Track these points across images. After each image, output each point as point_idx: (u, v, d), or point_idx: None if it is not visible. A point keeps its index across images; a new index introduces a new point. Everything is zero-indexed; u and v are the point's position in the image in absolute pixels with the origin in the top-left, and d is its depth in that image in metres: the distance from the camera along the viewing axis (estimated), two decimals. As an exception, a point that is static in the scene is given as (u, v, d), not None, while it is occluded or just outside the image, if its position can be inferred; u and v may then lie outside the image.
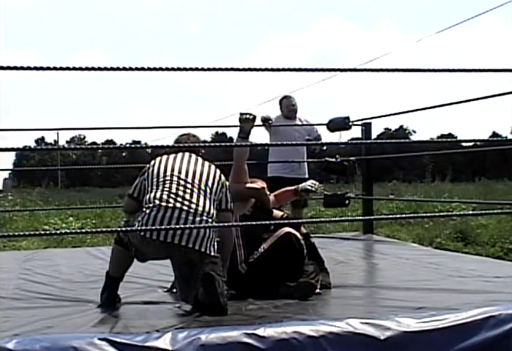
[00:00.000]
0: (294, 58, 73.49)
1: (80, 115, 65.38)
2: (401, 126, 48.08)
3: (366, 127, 5.94)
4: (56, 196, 17.15)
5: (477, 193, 13.28)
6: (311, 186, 3.72)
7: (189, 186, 2.95)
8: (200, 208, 2.89)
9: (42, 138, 50.55)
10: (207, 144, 3.15)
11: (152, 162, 3.13)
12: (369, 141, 6.25)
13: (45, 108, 75.18)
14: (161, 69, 2.51)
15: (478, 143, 6.66)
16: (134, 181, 3.14)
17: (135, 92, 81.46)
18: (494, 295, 2.87)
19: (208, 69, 2.60)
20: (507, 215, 7.58)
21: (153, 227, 2.83)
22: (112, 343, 2.07)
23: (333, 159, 5.02)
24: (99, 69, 2.46)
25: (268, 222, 3.19)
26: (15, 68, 2.35)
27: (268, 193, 3.56)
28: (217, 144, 4.78)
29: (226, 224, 2.93)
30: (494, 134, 33.71)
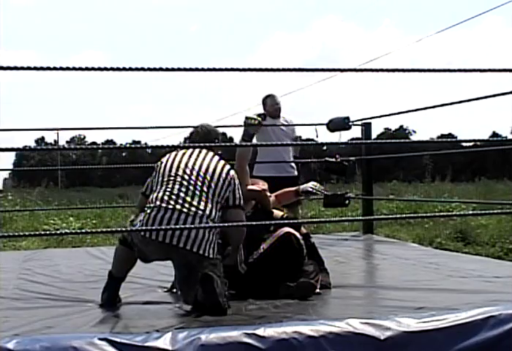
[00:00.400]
0: (294, 58, 73.51)
1: (80, 115, 65.40)
2: (401, 126, 48.08)
3: (366, 127, 5.94)
4: (56, 196, 17.14)
5: (477, 193, 13.27)
6: (313, 188, 3.71)
7: (191, 187, 2.93)
8: (200, 211, 2.87)
9: (42, 138, 50.60)
10: (207, 144, 3.13)
11: (162, 159, 3.13)
12: (369, 141, 6.25)
13: (45, 108, 75.21)
14: (161, 69, 2.50)
15: (478, 143, 6.66)
16: (137, 180, 3.15)
17: (135, 92, 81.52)
18: (494, 295, 2.87)
19: (208, 69, 2.60)
20: (507, 215, 7.58)
21: (150, 228, 2.84)
22: (112, 343, 2.07)
23: (333, 159, 5.02)
24: (99, 69, 2.46)
25: (268, 222, 3.19)
26: (15, 68, 2.35)
27: (268, 194, 3.56)
28: (217, 144, 4.77)
29: (226, 224, 2.93)
30: (494, 134, 33.70)
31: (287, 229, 3.22)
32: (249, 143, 3.52)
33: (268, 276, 3.13)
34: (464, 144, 7.72)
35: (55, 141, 40.66)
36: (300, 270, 3.19)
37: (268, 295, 3.02)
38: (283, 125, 5.91)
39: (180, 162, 3.05)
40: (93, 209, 10.93)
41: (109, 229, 2.78)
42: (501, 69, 2.99)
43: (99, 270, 4.01)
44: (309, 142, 6.08)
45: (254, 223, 2.98)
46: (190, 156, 3.09)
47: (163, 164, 3.08)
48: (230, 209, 3.05)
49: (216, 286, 2.73)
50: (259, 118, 3.47)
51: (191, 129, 3.40)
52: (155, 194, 2.96)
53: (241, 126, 3.57)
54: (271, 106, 5.91)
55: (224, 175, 3.04)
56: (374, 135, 6.46)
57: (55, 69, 2.38)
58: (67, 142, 50.85)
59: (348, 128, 5.24)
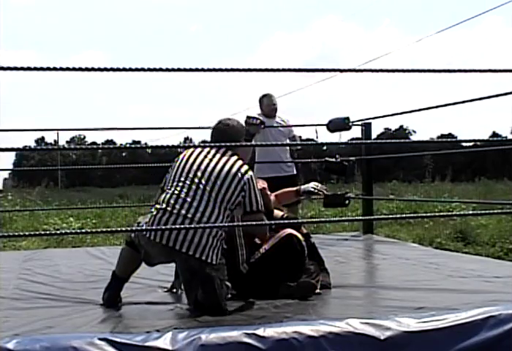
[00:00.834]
0: (294, 58, 73.51)
1: (80, 115, 65.38)
2: (401, 126, 48.08)
3: (366, 127, 5.94)
4: (56, 196, 17.15)
5: (477, 193, 13.28)
6: (315, 188, 3.70)
7: (199, 192, 2.86)
8: (205, 218, 2.82)
9: (42, 138, 50.57)
10: (207, 144, 3.11)
11: (181, 155, 3.06)
12: (369, 141, 6.25)
13: (45, 108, 75.19)
14: (161, 69, 2.50)
15: (478, 143, 6.66)
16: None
17: (135, 92, 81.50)
18: (494, 295, 2.87)
19: (208, 70, 2.60)
20: (507, 215, 7.58)
21: (150, 228, 2.84)
22: (112, 343, 2.07)
23: (333, 159, 5.02)
24: (99, 69, 2.46)
25: (268, 222, 3.19)
26: (15, 68, 2.35)
27: (269, 193, 3.56)
28: (217, 144, 4.78)
29: (226, 224, 2.92)
30: (494, 134, 33.69)
31: (289, 230, 3.22)
32: (248, 143, 3.52)
33: (268, 276, 3.13)
34: (464, 144, 7.72)
35: (55, 141, 40.65)
36: (300, 271, 3.20)
37: (268, 295, 3.02)
38: (282, 126, 5.92)
39: (193, 163, 2.96)
40: (93, 209, 10.94)
41: (109, 229, 2.77)
42: (501, 69, 2.99)
43: (99, 270, 4.01)
44: (309, 142, 6.09)
45: (254, 223, 2.97)
46: (205, 157, 2.98)
47: (178, 162, 3.01)
48: (247, 215, 2.96)
49: (216, 287, 2.73)
50: (260, 118, 3.47)
51: (191, 129, 3.38)
52: (163, 195, 2.93)
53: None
54: (267, 106, 5.93)
55: (236, 180, 2.91)
56: (374, 135, 6.46)
57: (55, 69, 2.38)
58: (67, 142, 50.88)
59: (348, 128, 5.24)
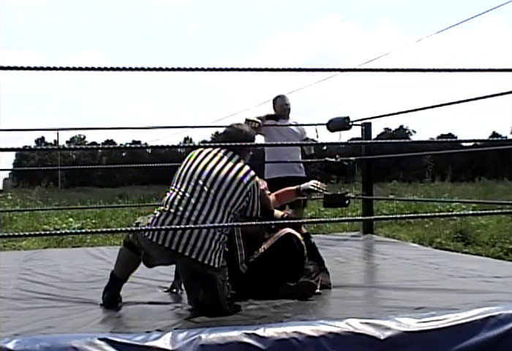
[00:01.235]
0: (294, 58, 73.50)
1: (80, 115, 65.41)
2: (401, 126, 48.11)
3: (366, 127, 5.94)
4: (56, 196, 17.16)
5: (477, 193, 13.29)
6: (314, 186, 3.70)
7: (204, 194, 2.86)
8: (208, 222, 2.82)
9: (42, 138, 50.65)
10: (207, 144, 3.11)
11: (189, 155, 3.05)
12: (369, 141, 6.25)
13: (45, 108, 75.23)
14: (161, 69, 2.50)
15: (478, 143, 6.66)
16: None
17: (135, 92, 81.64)
18: (494, 295, 2.87)
19: (208, 69, 2.60)
20: (507, 215, 7.58)
21: (149, 228, 2.83)
22: (112, 343, 2.07)
23: (333, 159, 5.02)
24: (99, 69, 2.46)
25: (268, 222, 3.19)
26: (15, 68, 2.35)
27: (268, 193, 3.56)
28: (217, 144, 4.78)
29: (226, 224, 2.92)
30: (494, 134, 33.73)
31: (288, 230, 3.22)
32: (249, 143, 3.52)
33: (268, 275, 3.13)
34: (464, 144, 7.73)
35: (55, 141, 40.67)
36: (300, 271, 3.19)
37: (268, 295, 3.02)
38: (288, 125, 5.92)
39: (199, 165, 2.95)
40: (93, 209, 10.93)
41: (109, 229, 2.77)
42: (501, 69, 2.99)
43: (99, 270, 4.01)
44: (309, 142, 6.07)
45: (254, 223, 2.97)
46: (212, 159, 2.98)
47: (184, 164, 3.01)
48: (249, 220, 2.97)
49: (218, 287, 2.74)
50: (259, 121, 3.46)
51: (191, 129, 3.39)
52: (167, 196, 2.92)
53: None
54: (280, 106, 5.94)
55: (242, 186, 2.91)
56: (374, 135, 6.46)
57: (55, 69, 2.38)
58: (67, 142, 50.94)
59: (348, 128, 5.24)
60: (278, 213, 3.51)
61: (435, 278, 3.51)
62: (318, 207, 10.04)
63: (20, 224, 9.62)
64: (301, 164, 5.98)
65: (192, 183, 2.90)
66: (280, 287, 3.08)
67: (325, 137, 6.21)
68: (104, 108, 77.01)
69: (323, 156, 5.53)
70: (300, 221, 3.93)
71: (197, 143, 3.39)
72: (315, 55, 76.69)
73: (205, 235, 2.79)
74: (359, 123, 5.88)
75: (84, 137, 53.89)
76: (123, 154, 49.17)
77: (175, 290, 3.30)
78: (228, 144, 2.98)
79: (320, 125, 5.82)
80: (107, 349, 2.05)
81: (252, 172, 3.00)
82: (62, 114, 66.81)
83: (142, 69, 2.48)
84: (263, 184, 3.58)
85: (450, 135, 38.04)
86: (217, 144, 3.15)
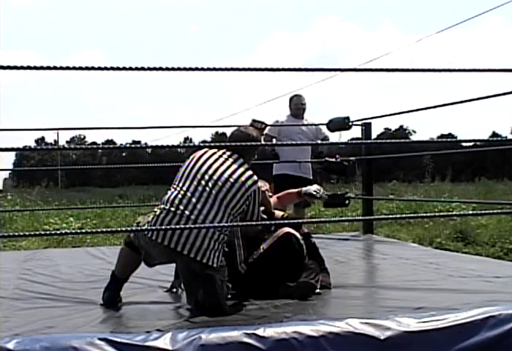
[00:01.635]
0: (294, 58, 73.49)
1: (80, 115, 65.40)
2: (401, 126, 48.07)
3: (366, 127, 5.94)
4: (56, 196, 17.16)
5: (477, 193, 13.29)
6: (316, 192, 3.69)
7: (205, 194, 2.86)
8: (208, 221, 2.82)
9: (42, 138, 50.62)
10: (207, 144, 3.11)
11: (192, 155, 3.05)
12: (369, 141, 6.25)
13: (45, 108, 75.22)
14: (161, 69, 2.50)
15: (478, 143, 6.66)
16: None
17: (135, 92, 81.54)
18: (494, 295, 2.87)
19: (208, 69, 2.60)
20: (507, 215, 7.58)
21: (150, 228, 2.83)
22: (112, 343, 2.07)
23: (333, 159, 5.02)
24: (99, 69, 2.46)
25: (268, 222, 3.19)
26: (15, 68, 2.35)
27: (270, 195, 3.56)
28: (217, 144, 4.78)
29: (226, 224, 2.92)
30: (494, 134, 33.69)
31: (287, 229, 3.22)
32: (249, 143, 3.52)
33: (268, 275, 3.13)
34: (464, 144, 7.73)
35: (55, 141, 40.69)
36: (300, 270, 3.19)
37: (268, 295, 3.02)
38: (297, 125, 5.96)
39: (203, 165, 2.96)
40: (93, 209, 10.93)
41: (109, 229, 2.77)
42: (501, 69, 3.00)
43: (99, 270, 4.01)
44: (308, 142, 6.08)
45: (254, 223, 2.97)
46: (216, 160, 2.98)
47: (187, 163, 3.01)
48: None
49: (217, 287, 2.73)
50: (265, 123, 3.48)
51: (191, 129, 3.39)
52: (169, 194, 2.92)
53: (240, 126, 3.56)
54: (296, 105, 6.01)
55: (243, 189, 2.92)
56: (374, 135, 6.46)
57: (55, 68, 2.38)
58: (67, 142, 50.88)
59: (348, 128, 5.24)
60: (278, 213, 3.52)
61: (435, 278, 3.51)
62: (318, 207, 10.04)
63: (20, 224, 9.62)
64: (310, 166, 6.01)
65: (195, 183, 2.90)
66: (280, 287, 3.08)
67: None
68: (105, 108, 77.01)
69: (323, 156, 5.55)
70: (300, 221, 3.93)
71: (197, 143, 3.39)
72: (315, 55, 76.68)
73: (205, 235, 2.79)
74: (359, 123, 5.88)
75: (84, 137, 53.90)
76: (123, 154, 49.13)
77: (175, 290, 3.30)
78: (228, 144, 2.98)
79: (320, 125, 5.84)
80: (107, 349, 2.05)
81: (255, 177, 3.00)
82: (62, 114, 66.82)
83: (143, 68, 2.48)
84: (265, 186, 3.58)
85: (450, 135, 38.02)
86: (217, 144, 3.15)
